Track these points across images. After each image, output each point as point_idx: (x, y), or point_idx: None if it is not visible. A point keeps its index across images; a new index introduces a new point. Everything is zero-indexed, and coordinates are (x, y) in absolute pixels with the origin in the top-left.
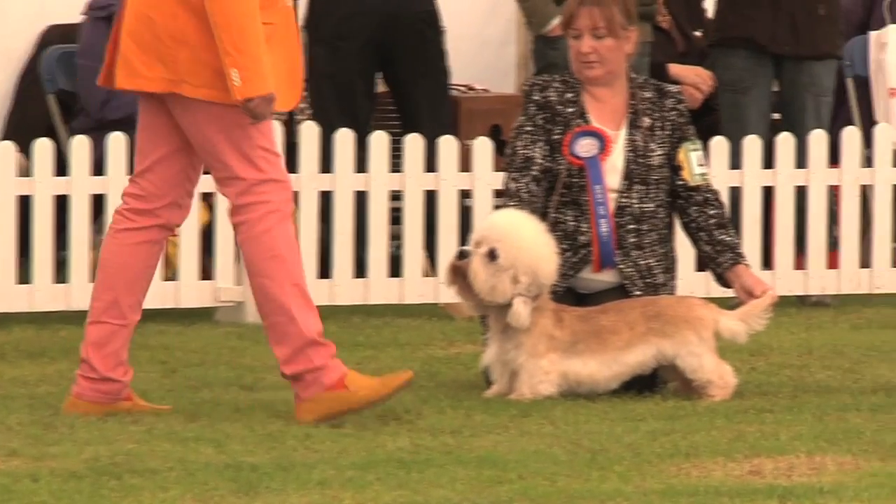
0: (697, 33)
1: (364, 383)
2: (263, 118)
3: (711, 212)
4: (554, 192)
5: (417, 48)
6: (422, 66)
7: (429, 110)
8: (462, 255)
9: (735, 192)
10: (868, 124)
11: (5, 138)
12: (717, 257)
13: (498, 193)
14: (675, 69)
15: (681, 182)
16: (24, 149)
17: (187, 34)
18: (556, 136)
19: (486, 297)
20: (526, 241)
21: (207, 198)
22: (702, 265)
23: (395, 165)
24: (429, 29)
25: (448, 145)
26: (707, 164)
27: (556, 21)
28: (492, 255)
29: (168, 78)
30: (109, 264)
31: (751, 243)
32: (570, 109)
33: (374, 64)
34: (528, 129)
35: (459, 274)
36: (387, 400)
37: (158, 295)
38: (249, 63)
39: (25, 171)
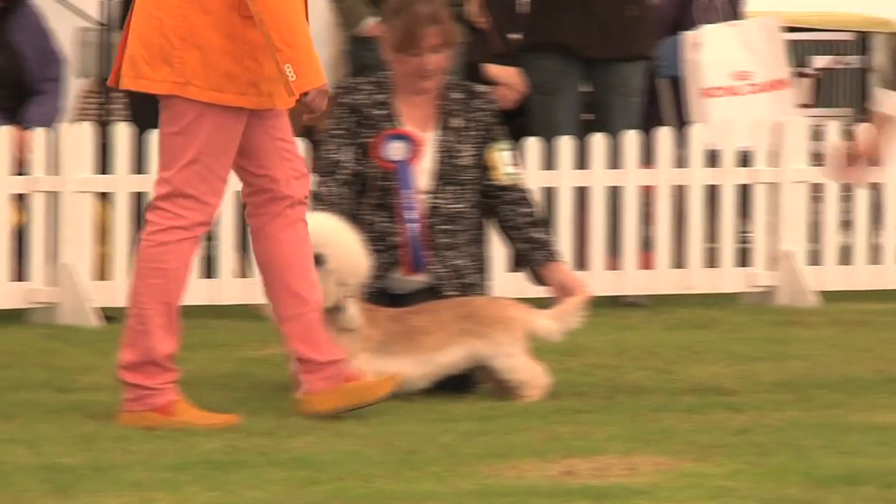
0: (514, 35)
1: (193, 415)
2: (320, 110)
3: (523, 210)
4: (365, 195)
5: None
6: None
7: None
8: (319, 261)
9: (549, 193)
10: (681, 125)
11: None
12: (532, 255)
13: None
14: (490, 70)
15: (491, 182)
16: None
17: (198, 36)
18: (365, 140)
19: (329, 298)
20: (349, 244)
21: (20, 199)
22: (515, 265)
23: None
24: None
25: None
26: (518, 164)
27: (369, 22)
28: (318, 260)
29: (173, 80)
30: (271, 263)
31: (565, 244)
32: (381, 112)
33: None
34: (337, 132)
35: None
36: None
37: None
38: (302, 56)
39: None
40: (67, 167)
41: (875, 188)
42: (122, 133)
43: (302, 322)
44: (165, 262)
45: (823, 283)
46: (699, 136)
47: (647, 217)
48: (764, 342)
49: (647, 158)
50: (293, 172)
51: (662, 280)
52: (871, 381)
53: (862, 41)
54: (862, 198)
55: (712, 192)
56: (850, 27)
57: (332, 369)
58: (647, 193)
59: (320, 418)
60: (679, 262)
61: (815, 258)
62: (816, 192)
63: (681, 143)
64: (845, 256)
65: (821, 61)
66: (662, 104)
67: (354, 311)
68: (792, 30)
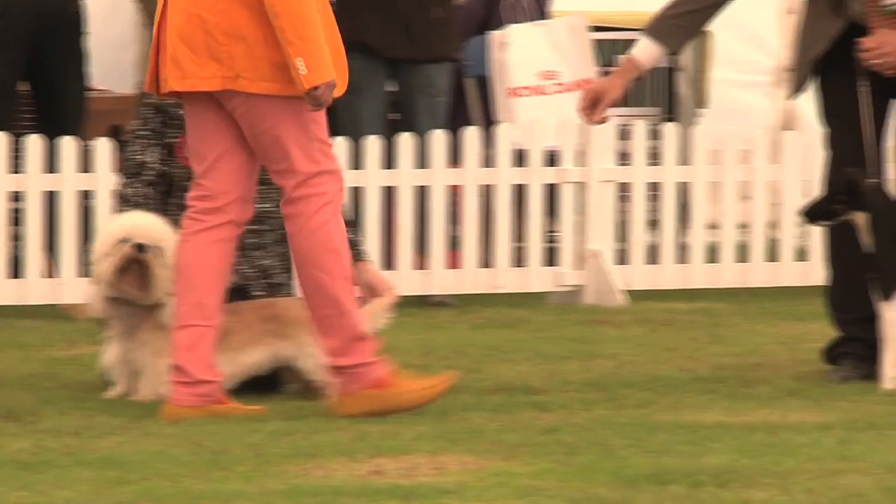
0: None
1: (409, 385)
2: (326, 105)
3: None
4: (171, 195)
5: (65, 50)
6: (68, 67)
7: (74, 112)
8: (141, 249)
9: (356, 193)
10: (489, 124)
11: None
12: None
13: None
14: None
15: None
16: None
17: (242, 29)
18: (171, 140)
19: (159, 293)
20: (175, 241)
21: None
22: None
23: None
24: (75, 31)
25: (69, 146)
26: None
27: None
28: (157, 253)
29: (223, 75)
30: (188, 267)
31: (372, 243)
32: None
33: (21, 64)
34: (143, 133)
35: (134, 267)
36: (430, 402)
37: None
38: (314, 50)
39: None
40: None
41: (682, 187)
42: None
43: (194, 333)
44: (333, 241)
45: (631, 282)
46: (506, 136)
47: (454, 216)
48: (571, 341)
49: (455, 158)
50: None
51: (470, 279)
52: (678, 380)
53: None
54: (669, 197)
55: (519, 192)
56: None
57: (206, 388)
58: (455, 193)
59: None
60: (486, 261)
61: (622, 257)
62: (623, 191)
63: (488, 142)
64: (652, 256)
65: None
66: (469, 104)
67: (173, 307)
68: (598, 29)
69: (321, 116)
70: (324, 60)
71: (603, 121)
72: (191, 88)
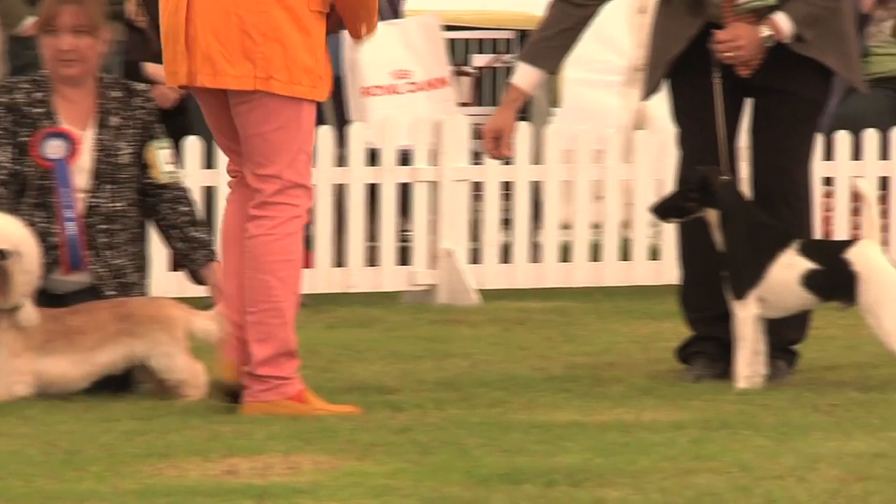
0: None
1: (320, 405)
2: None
3: (183, 209)
4: (24, 194)
5: None
6: None
7: None
8: (3, 256)
9: (209, 192)
10: (342, 123)
11: None
12: (191, 254)
13: None
14: (150, 68)
15: (149, 180)
16: None
17: (279, 31)
18: (23, 138)
19: (17, 297)
20: (30, 241)
21: None
22: (176, 265)
23: None
24: None
25: None
26: (177, 163)
27: (28, 21)
28: (3, 255)
29: (255, 75)
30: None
31: None
32: (39, 110)
33: None
34: None
35: None
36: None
37: None
38: (375, 19)
39: None
40: None
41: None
42: None
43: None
44: (293, 253)
45: (484, 281)
46: (359, 135)
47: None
48: (425, 341)
49: None
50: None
51: (323, 279)
52: (531, 379)
53: (521, 39)
54: (522, 196)
55: (372, 191)
56: (509, 25)
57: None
58: None
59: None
60: (339, 260)
61: (475, 256)
62: (477, 190)
63: (341, 141)
64: (505, 255)
65: (480, 60)
66: (323, 103)
67: (31, 309)
68: (451, 28)
69: (313, 130)
70: (376, 20)
71: (510, 152)
72: (222, 86)
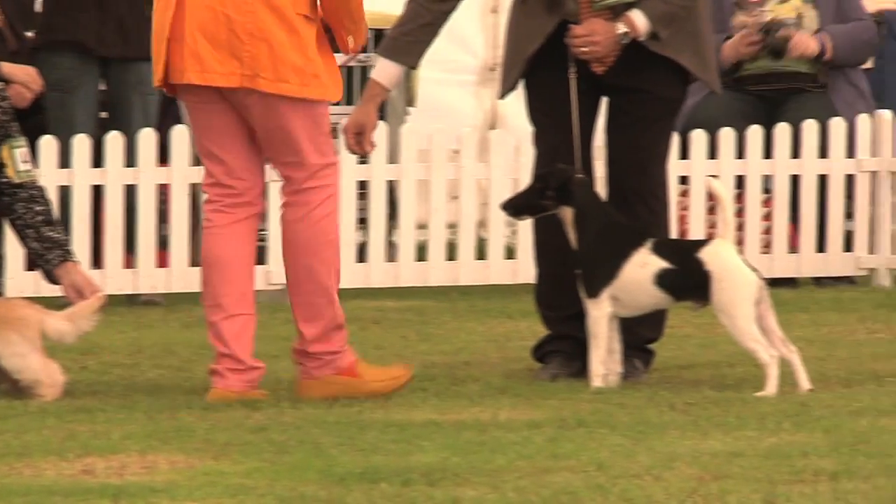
0: (29, 33)
1: (374, 375)
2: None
3: (38, 209)
4: None
5: None
6: None
7: None
8: None
9: (64, 191)
10: None
11: None
12: (46, 254)
13: None
14: (5, 67)
15: (5, 179)
16: None
17: (265, 31)
18: None
19: None
20: None
21: None
22: (31, 264)
23: None
24: None
25: None
26: (33, 162)
27: None
28: None
29: (242, 73)
30: (226, 258)
31: (80, 242)
32: None
33: None
34: None
35: None
36: (393, 392)
37: None
38: (361, 28)
39: None
40: None
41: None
42: None
43: (241, 323)
44: (331, 233)
45: (340, 280)
46: None
47: (162, 215)
48: (282, 340)
49: (163, 157)
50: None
51: (179, 278)
52: None
53: (377, 38)
54: (378, 195)
55: None
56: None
57: (254, 374)
58: (163, 192)
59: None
60: (195, 260)
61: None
62: (362, 188)
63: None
64: (361, 254)
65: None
66: (178, 102)
67: None
68: None
69: (327, 112)
70: (364, 29)
71: (372, 148)
72: (209, 83)
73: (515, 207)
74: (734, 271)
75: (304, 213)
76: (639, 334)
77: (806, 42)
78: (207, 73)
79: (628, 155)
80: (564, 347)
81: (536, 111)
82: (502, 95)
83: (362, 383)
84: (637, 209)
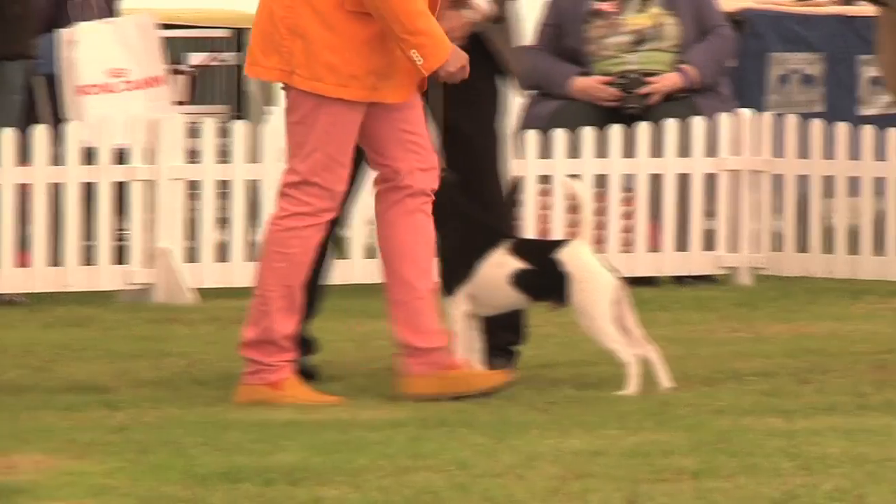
0: None
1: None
2: (460, 74)
3: None
4: None
5: None
6: None
7: None
8: None
9: None
10: (57, 122)
11: None
12: None
13: None
14: None
15: None
16: None
17: (303, 27)
18: None
19: None
20: None
21: None
22: None
23: None
24: None
25: None
26: None
27: None
28: None
29: (281, 68)
30: (387, 249)
31: None
32: None
33: None
34: None
35: None
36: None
37: None
38: (425, 40)
39: None
40: None
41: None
42: None
43: (408, 308)
44: (290, 247)
45: (201, 279)
46: (75, 134)
47: (23, 215)
48: (142, 340)
49: (24, 156)
50: (419, 164)
51: (39, 278)
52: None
53: (237, 38)
54: (238, 195)
55: (88, 190)
56: (224, 24)
57: (433, 356)
58: (23, 192)
59: (419, 400)
60: (56, 260)
61: (192, 255)
62: (193, 189)
63: (57, 140)
64: (222, 253)
65: (196, 58)
66: (39, 102)
67: None
68: (167, 27)
69: (345, 132)
70: (436, 44)
71: None
72: (256, 76)
73: None
74: (592, 272)
75: (275, 217)
76: (500, 337)
77: (670, 84)
78: (254, 66)
79: (467, 156)
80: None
81: None
82: None
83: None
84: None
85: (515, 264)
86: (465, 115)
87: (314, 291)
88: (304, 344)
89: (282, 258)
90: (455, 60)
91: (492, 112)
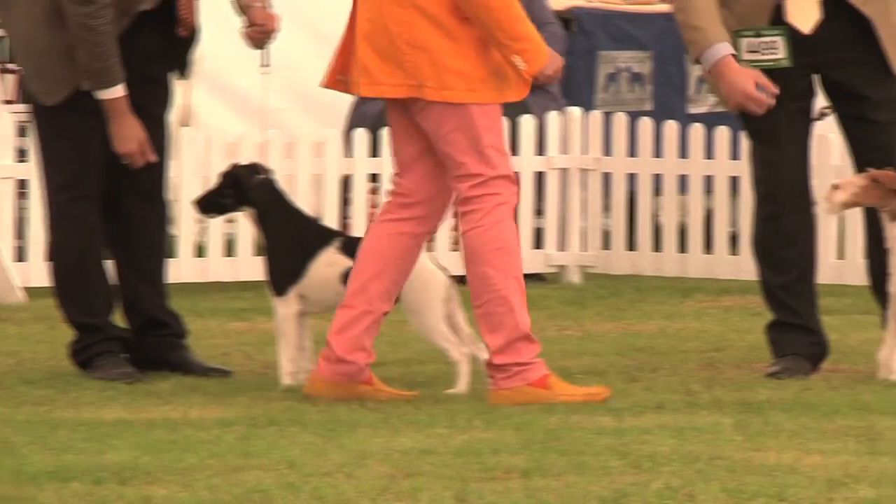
0: None
1: (565, 389)
2: (555, 78)
3: None
4: None
5: None
6: None
7: None
8: None
9: None
10: None
11: None
12: None
13: None
14: None
15: None
16: None
17: (424, 40)
18: None
19: None
20: None
21: None
22: None
23: None
24: None
25: None
26: None
27: None
28: None
29: (407, 83)
30: (366, 250)
31: None
32: None
33: None
34: None
35: None
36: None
37: None
38: (526, 45)
39: None
40: None
41: None
42: None
43: (352, 315)
44: (505, 240)
45: (29, 279)
46: None
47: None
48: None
49: None
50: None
51: None
52: (78, 376)
53: None
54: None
55: None
56: None
57: (346, 367)
58: None
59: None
60: None
61: (20, 254)
62: (22, 188)
63: None
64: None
65: None
66: None
67: None
68: None
69: (498, 125)
70: (536, 48)
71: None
72: (380, 95)
73: (203, 205)
74: (422, 270)
75: (474, 222)
76: None
77: None
78: (377, 86)
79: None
80: None
81: None
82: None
83: (552, 395)
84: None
85: (346, 263)
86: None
87: (104, 284)
88: (122, 342)
89: (502, 253)
90: (553, 63)
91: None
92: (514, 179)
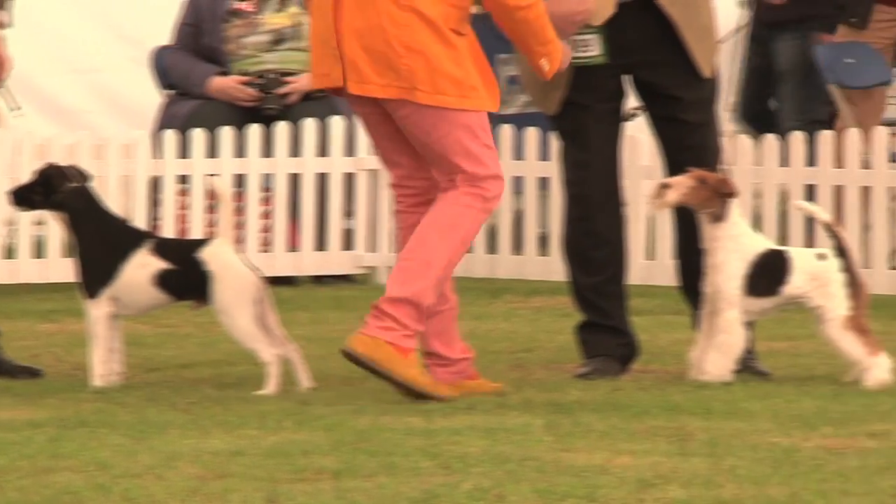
0: None
1: (419, 376)
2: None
3: None
4: None
5: None
6: None
7: None
8: None
9: None
10: None
11: None
12: None
13: None
14: None
15: None
16: None
17: (421, 44)
18: None
19: None
20: None
21: None
22: None
23: None
24: None
25: None
26: None
27: None
28: None
29: (399, 85)
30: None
31: None
32: None
33: None
34: None
35: None
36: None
37: None
38: (552, 48)
39: None
40: None
41: None
42: None
43: (442, 319)
44: (466, 227)
45: None
46: None
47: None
48: None
49: None
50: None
51: None
52: None
53: None
54: None
55: None
56: None
57: (461, 366)
58: None
59: None
60: None
61: None
62: None
63: None
64: None
65: None
66: None
67: None
68: None
69: (487, 123)
70: (558, 50)
71: None
72: (368, 94)
73: (16, 197)
74: (233, 271)
75: (454, 198)
76: None
77: (308, 83)
78: (366, 85)
79: None
80: None
81: None
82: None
83: (404, 365)
84: None
85: (158, 264)
86: None
87: None
88: None
89: (453, 231)
90: (566, 58)
91: None
92: (502, 179)
